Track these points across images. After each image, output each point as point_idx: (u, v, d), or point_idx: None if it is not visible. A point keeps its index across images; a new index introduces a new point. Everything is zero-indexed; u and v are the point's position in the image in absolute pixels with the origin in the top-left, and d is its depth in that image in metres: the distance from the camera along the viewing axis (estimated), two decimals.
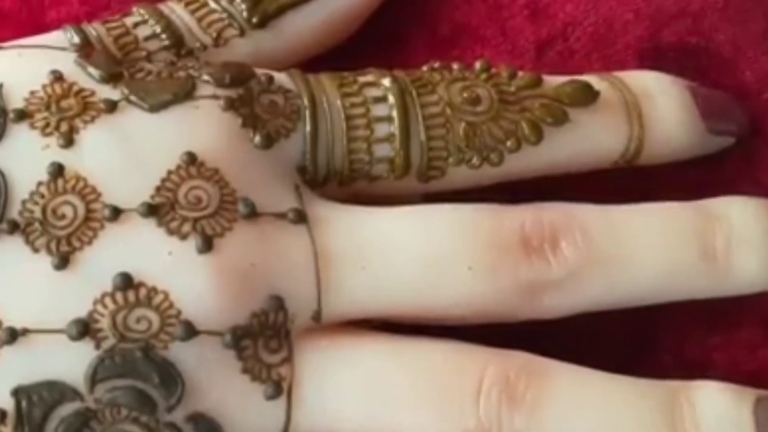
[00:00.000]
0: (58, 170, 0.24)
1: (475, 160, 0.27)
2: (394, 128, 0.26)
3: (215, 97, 0.26)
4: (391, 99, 0.26)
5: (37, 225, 0.23)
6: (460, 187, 0.27)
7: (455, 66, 0.28)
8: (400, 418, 0.24)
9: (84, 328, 0.23)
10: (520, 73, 0.27)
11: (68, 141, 0.24)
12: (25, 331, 0.23)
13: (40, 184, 0.24)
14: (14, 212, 0.24)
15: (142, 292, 0.23)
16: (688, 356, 0.28)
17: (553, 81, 0.28)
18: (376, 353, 0.25)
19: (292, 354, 0.24)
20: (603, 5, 0.31)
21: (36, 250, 0.23)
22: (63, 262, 0.23)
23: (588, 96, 0.27)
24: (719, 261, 0.26)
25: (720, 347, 0.29)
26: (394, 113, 0.26)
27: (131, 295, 0.23)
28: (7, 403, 0.23)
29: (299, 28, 0.29)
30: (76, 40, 0.27)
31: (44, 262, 0.23)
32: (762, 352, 0.28)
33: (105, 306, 0.23)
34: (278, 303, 0.24)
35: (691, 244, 0.26)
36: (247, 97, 0.26)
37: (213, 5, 0.28)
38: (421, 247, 0.25)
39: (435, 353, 0.25)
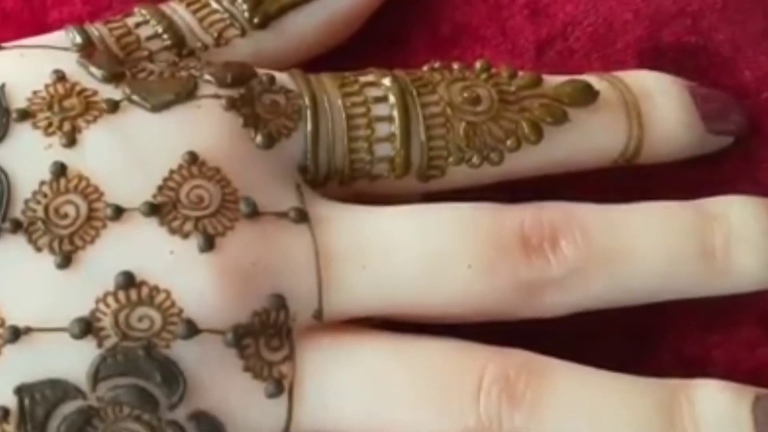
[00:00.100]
0: (60, 170, 0.24)
1: (475, 160, 0.27)
2: (395, 128, 0.26)
3: (217, 96, 0.26)
4: (392, 99, 0.26)
5: (39, 224, 0.24)
6: (460, 187, 0.27)
7: (455, 66, 0.28)
8: (401, 416, 0.24)
9: (86, 327, 0.23)
10: (520, 73, 0.27)
11: (71, 141, 0.24)
12: (28, 330, 0.23)
13: (42, 183, 0.24)
14: (17, 211, 0.24)
15: (144, 290, 0.23)
16: (688, 355, 0.28)
17: (553, 81, 0.28)
18: (376, 351, 0.25)
19: (294, 352, 0.24)
20: (603, 5, 0.32)
21: (39, 249, 0.23)
22: (65, 261, 0.23)
23: (588, 95, 0.27)
24: (718, 259, 0.26)
25: (719, 346, 0.29)
26: (395, 113, 0.26)
27: (133, 294, 0.23)
28: (10, 401, 0.23)
29: (300, 28, 0.29)
30: (79, 40, 0.27)
31: (47, 261, 0.23)
32: (761, 350, 0.28)
33: (107, 305, 0.23)
34: (280, 301, 0.24)
35: (691, 243, 0.26)
36: (248, 96, 0.26)
37: (214, 5, 0.28)
38: (421, 246, 0.25)
39: (435, 351, 0.25)
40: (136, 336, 0.23)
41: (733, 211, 0.26)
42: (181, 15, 0.28)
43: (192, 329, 0.23)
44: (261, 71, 0.27)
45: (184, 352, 0.23)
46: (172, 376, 0.23)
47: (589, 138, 0.27)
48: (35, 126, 0.25)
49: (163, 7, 0.28)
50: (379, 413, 0.24)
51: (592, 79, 0.28)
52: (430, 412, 0.24)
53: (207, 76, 0.26)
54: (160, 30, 0.28)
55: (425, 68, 0.28)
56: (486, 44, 0.32)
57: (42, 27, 0.30)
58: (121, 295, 0.23)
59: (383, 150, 0.26)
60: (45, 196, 0.24)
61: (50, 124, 0.25)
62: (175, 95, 0.25)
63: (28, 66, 0.26)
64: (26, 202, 0.24)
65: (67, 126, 0.25)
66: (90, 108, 0.25)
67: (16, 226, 0.23)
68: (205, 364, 0.24)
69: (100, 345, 0.23)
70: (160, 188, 0.24)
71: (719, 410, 0.24)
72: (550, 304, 0.26)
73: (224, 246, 0.24)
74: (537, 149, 0.27)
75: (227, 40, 0.28)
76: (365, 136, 0.26)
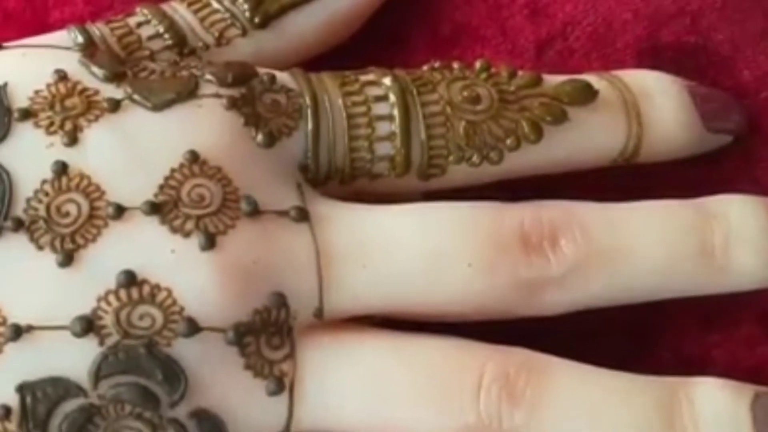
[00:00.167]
0: (62, 168, 0.24)
1: (475, 159, 0.27)
2: (395, 127, 0.26)
3: (218, 96, 0.26)
4: (392, 98, 0.26)
5: (41, 223, 0.24)
6: (460, 185, 0.27)
7: (456, 65, 0.28)
8: (401, 414, 0.24)
9: (88, 325, 0.23)
10: (520, 73, 0.28)
11: (72, 140, 0.24)
12: (30, 328, 0.23)
13: (44, 182, 0.24)
14: (19, 210, 0.24)
15: (146, 289, 0.23)
16: (687, 353, 0.29)
17: (552, 80, 0.28)
18: (377, 350, 0.25)
19: (295, 350, 0.24)
20: (602, 5, 0.32)
21: (40, 248, 0.23)
22: (67, 259, 0.23)
23: (587, 95, 0.27)
24: (717, 258, 0.26)
25: (719, 344, 0.29)
26: (395, 112, 0.26)
27: (135, 293, 0.23)
28: (12, 399, 0.23)
29: (301, 27, 0.29)
30: (80, 39, 0.27)
31: (48, 259, 0.23)
32: (760, 348, 0.29)
33: (109, 303, 0.23)
34: (280, 300, 0.24)
35: (690, 242, 0.26)
36: (249, 96, 0.26)
37: (215, 5, 0.29)
38: (421, 245, 0.25)
39: (435, 350, 0.25)
40: (137, 334, 0.23)
41: (732, 209, 0.26)
42: (183, 15, 0.28)
43: (193, 327, 0.23)
44: (262, 70, 0.27)
45: (185, 351, 0.23)
46: (173, 374, 0.23)
47: (589, 137, 0.28)
48: (37, 125, 0.25)
49: (165, 6, 0.29)
50: (379, 411, 0.24)
51: (592, 78, 0.28)
52: (430, 410, 0.24)
53: (208, 76, 0.26)
54: (161, 29, 0.28)
55: (425, 68, 0.28)
56: (486, 44, 0.32)
57: (44, 27, 0.30)
58: (123, 293, 0.23)
59: (384, 149, 0.26)
60: (47, 194, 0.24)
61: (52, 124, 0.25)
62: (176, 94, 0.25)
63: (30, 65, 0.26)
64: (28, 200, 0.24)
65: (68, 125, 0.25)
66: (91, 107, 0.25)
67: (18, 225, 0.23)
68: (206, 363, 0.24)
69: (101, 343, 0.23)
70: (162, 187, 0.24)
71: (718, 408, 0.24)
72: (549, 303, 0.26)
73: (225, 244, 0.24)
74: (537, 148, 0.27)
75: (228, 39, 0.28)
76: (366, 135, 0.26)
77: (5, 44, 0.27)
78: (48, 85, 0.25)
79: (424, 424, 0.24)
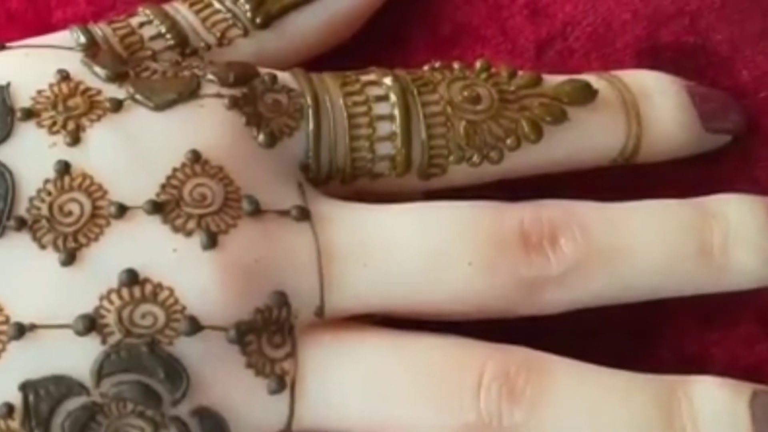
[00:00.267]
0: (64, 168, 0.24)
1: (475, 158, 0.27)
2: (396, 127, 0.26)
3: (219, 95, 0.26)
4: (393, 98, 0.27)
5: (44, 222, 0.24)
6: (460, 185, 0.27)
7: (456, 65, 0.28)
8: (402, 412, 0.24)
9: (90, 324, 0.23)
10: (520, 73, 0.28)
11: (75, 139, 0.24)
12: (33, 327, 0.23)
13: (47, 181, 0.24)
14: (22, 209, 0.24)
15: (148, 288, 0.23)
16: (686, 351, 0.29)
17: (552, 80, 0.28)
18: (377, 348, 0.25)
19: (296, 349, 0.25)
20: (602, 5, 0.32)
21: (43, 247, 0.23)
22: (70, 258, 0.23)
23: (587, 95, 0.27)
24: (716, 257, 0.26)
25: (718, 343, 0.29)
26: (396, 112, 0.26)
27: (137, 291, 0.23)
28: (15, 398, 0.23)
29: (302, 28, 0.29)
30: (83, 40, 0.27)
31: (51, 258, 0.23)
32: (759, 347, 0.29)
33: (111, 302, 0.23)
34: (282, 299, 0.24)
35: (689, 241, 0.26)
36: (250, 95, 0.26)
37: (217, 5, 0.29)
38: (422, 244, 0.25)
39: (436, 348, 0.25)
40: (139, 333, 0.23)
41: (731, 209, 0.26)
42: (184, 15, 0.28)
43: (195, 326, 0.23)
44: (263, 71, 0.27)
45: (187, 349, 0.24)
46: (175, 372, 0.23)
47: (589, 137, 0.28)
48: (40, 125, 0.25)
49: (167, 7, 0.29)
50: (380, 409, 0.24)
51: (591, 78, 0.28)
52: (431, 408, 0.24)
53: (210, 76, 0.26)
54: (163, 30, 0.28)
55: (426, 68, 0.28)
56: (486, 44, 0.32)
57: (46, 27, 0.30)
58: (125, 292, 0.23)
59: (384, 149, 0.26)
60: (49, 194, 0.24)
61: (54, 123, 0.25)
62: (178, 94, 0.25)
63: (32, 65, 0.26)
64: (31, 200, 0.24)
65: (71, 125, 0.25)
66: (94, 107, 0.25)
67: (21, 224, 0.23)
68: (207, 361, 0.24)
69: (103, 342, 0.23)
70: (164, 186, 0.24)
71: (717, 406, 0.24)
72: (549, 302, 0.26)
73: (227, 244, 0.24)
74: (537, 148, 0.27)
75: (230, 39, 0.28)
76: (367, 134, 0.26)
77: (8, 44, 0.27)
78: (51, 85, 0.25)
79: (425, 422, 0.24)
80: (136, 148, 0.25)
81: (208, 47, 0.28)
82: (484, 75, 0.27)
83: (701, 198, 0.27)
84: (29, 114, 0.25)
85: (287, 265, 0.25)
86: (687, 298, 0.27)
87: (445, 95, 0.27)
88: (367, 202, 0.26)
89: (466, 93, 0.27)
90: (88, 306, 0.23)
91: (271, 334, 0.24)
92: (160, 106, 0.25)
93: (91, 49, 0.27)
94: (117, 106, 0.25)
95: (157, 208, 0.24)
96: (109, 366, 0.23)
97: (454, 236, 0.25)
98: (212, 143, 0.25)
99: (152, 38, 0.28)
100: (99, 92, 0.25)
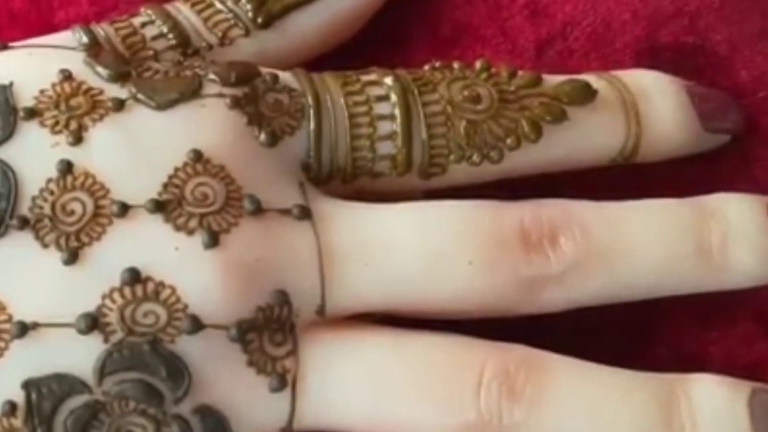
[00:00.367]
0: (67, 167, 0.24)
1: (475, 158, 0.27)
2: (397, 126, 0.26)
3: (221, 95, 0.26)
4: (394, 97, 0.27)
5: (46, 221, 0.24)
6: (460, 184, 0.27)
7: (456, 65, 0.28)
8: (402, 411, 0.24)
9: (93, 322, 0.23)
10: (520, 73, 0.28)
11: (77, 139, 0.24)
12: (35, 325, 0.23)
13: (49, 180, 0.24)
14: (24, 208, 0.24)
15: (150, 286, 0.23)
16: (685, 350, 0.29)
17: (552, 80, 0.28)
18: (378, 347, 0.25)
19: (297, 347, 0.25)
20: (601, 6, 0.32)
21: (45, 246, 0.24)
22: (72, 257, 0.23)
23: (586, 95, 0.27)
24: (715, 256, 0.26)
25: (716, 341, 0.29)
26: (397, 111, 0.26)
27: (139, 290, 0.23)
28: (18, 396, 0.23)
29: (303, 28, 0.29)
30: (85, 40, 0.27)
31: (54, 257, 0.23)
32: (758, 345, 0.29)
33: (113, 300, 0.23)
34: (283, 297, 0.24)
35: (688, 240, 0.26)
36: (252, 95, 0.26)
37: (219, 6, 0.29)
38: (422, 243, 0.25)
39: (436, 347, 0.25)
40: (141, 331, 0.23)
41: (730, 208, 0.26)
42: (186, 15, 0.28)
43: (197, 324, 0.23)
44: (265, 70, 0.27)
45: (189, 347, 0.24)
46: (177, 370, 0.23)
47: (588, 136, 0.28)
48: (42, 124, 0.25)
49: (169, 7, 0.29)
50: (380, 408, 0.25)
51: (591, 78, 0.28)
52: (431, 406, 0.24)
53: (211, 75, 0.26)
54: (165, 30, 0.28)
55: (426, 68, 0.28)
56: (486, 44, 0.32)
57: (49, 27, 0.30)
58: (127, 291, 0.23)
59: (385, 148, 0.27)
60: (52, 193, 0.24)
61: (57, 123, 0.25)
62: (179, 94, 0.26)
63: (35, 65, 0.26)
64: (33, 199, 0.24)
65: (73, 124, 0.25)
66: (96, 107, 0.25)
67: (24, 223, 0.24)
68: (209, 359, 0.24)
69: (106, 340, 0.23)
70: (165, 185, 0.24)
71: (716, 405, 0.24)
72: (549, 300, 0.26)
73: (228, 242, 0.24)
74: (536, 148, 0.27)
75: (231, 39, 0.28)
76: (367, 134, 0.26)
77: (11, 44, 0.27)
78: (53, 85, 0.25)
79: (425, 420, 0.24)
80: (138, 147, 0.25)
81: (210, 47, 0.28)
82: (484, 75, 0.28)
83: (700, 197, 0.27)
84: (32, 113, 0.25)
85: (288, 263, 0.25)
86: (686, 296, 0.27)
87: (445, 95, 0.27)
88: (367, 201, 0.26)
89: (466, 93, 0.27)
90: (90, 305, 0.23)
91: (272, 332, 0.24)
92: (162, 106, 0.25)
93: (94, 49, 0.27)
94: (119, 105, 0.25)
95: (159, 207, 0.24)
96: (111, 364, 0.23)
97: (455, 235, 0.25)
98: (214, 142, 0.25)
99: (154, 38, 0.28)
100: (101, 92, 0.25)
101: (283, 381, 0.24)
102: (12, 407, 0.23)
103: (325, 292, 0.25)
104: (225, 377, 0.24)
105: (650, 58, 0.31)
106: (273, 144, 0.26)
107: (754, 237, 0.26)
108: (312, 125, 0.26)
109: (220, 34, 0.28)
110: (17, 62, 0.26)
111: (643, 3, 0.32)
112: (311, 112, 0.26)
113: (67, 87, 0.25)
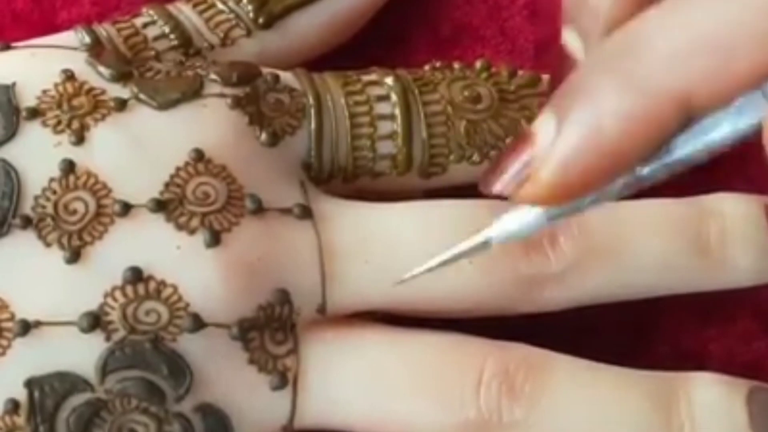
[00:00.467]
0: (69, 167, 0.24)
1: (475, 157, 0.27)
2: (397, 126, 0.27)
3: (222, 95, 0.26)
4: (394, 97, 0.27)
5: (49, 220, 0.24)
6: (461, 183, 0.27)
7: (456, 65, 0.28)
8: (403, 409, 0.25)
9: (95, 321, 0.23)
10: (520, 72, 0.28)
11: (79, 138, 0.25)
12: (38, 324, 0.23)
13: (51, 180, 0.24)
14: (27, 208, 0.24)
15: (152, 285, 0.24)
16: (684, 348, 0.29)
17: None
18: (378, 345, 0.25)
19: (298, 345, 0.25)
20: None
21: (48, 245, 0.24)
22: (74, 256, 0.23)
23: None
24: (713, 255, 0.26)
25: (715, 339, 0.29)
26: (397, 111, 0.27)
27: (141, 289, 0.23)
28: (20, 394, 0.23)
29: (304, 28, 0.29)
30: (87, 40, 0.27)
31: (56, 256, 0.24)
32: (756, 344, 0.29)
33: (115, 299, 0.23)
34: (284, 296, 0.24)
35: (686, 239, 0.26)
36: (253, 95, 0.26)
37: (220, 6, 0.29)
38: (422, 242, 0.25)
39: (436, 345, 0.25)
40: (143, 330, 0.23)
41: (728, 207, 0.26)
42: (188, 15, 0.28)
43: (198, 323, 0.23)
44: (266, 70, 0.27)
45: (190, 346, 0.24)
46: (179, 369, 0.24)
47: None
48: (45, 124, 0.25)
49: (170, 7, 0.29)
50: (381, 406, 0.25)
51: None
52: (431, 405, 0.24)
53: (213, 76, 0.26)
54: (167, 30, 0.28)
55: (426, 68, 0.28)
56: (486, 44, 0.32)
57: (51, 27, 0.30)
58: (129, 289, 0.23)
59: (386, 148, 0.27)
60: (54, 192, 0.24)
61: (59, 122, 0.25)
62: (181, 94, 0.26)
63: (38, 65, 0.26)
64: (36, 198, 0.24)
65: (75, 124, 0.25)
66: (98, 106, 0.25)
67: (26, 222, 0.24)
68: (211, 358, 0.24)
69: (108, 338, 0.23)
70: (167, 185, 0.24)
71: (714, 403, 0.24)
72: (548, 299, 0.26)
73: (230, 241, 0.24)
74: None
75: (233, 40, 0.28)
76: (368, 134, 0.27)
77: (14, 44, 0.27)
78: (55, 85, 0.25)
79: (425, 418, 0.24)
80: (140, 147, 0.25)
81: (212, 47, 0.28)
82: (484, 75, 0.28)
83: (698, 197, 0.27)
84: (34, 113, 0.25)
85: (289, 262, 0.25)
86: (685, 295, 0.27)
87: (445, 95, 0.27)
88: (368, 200, 0.26)
89: (466, 93, 0.27)
90: (92, 303, 0.23)
91: (273, 331, 0.25)
92: (164, 106, 0.25)
93: (96, 49, 0.27)
94: (121, 105, 0.25)
95: (160, 206, 0.24)
96: (113, 362, 0.23)
97: (455, 234, 0.25)
98: (215, 142, 0.25)
99: (156, 38, 0.28)
100: (103, 92, 0.26)
101: (284, 379, 0.24)
102: (15, 405, 0.23)
103: (326, 290, 0.25)
104: (226, 375, 0.24)
105: None
106: (274, 144, 0.26)
107: (751, 236, 0.26)
108: (313, 125, 0.26)
109: (221, 34, 0.28)
110: (20, 62, 0.26)
111: None
112: (312, 111, 0.26)
113: (69, 87, 0.25)
